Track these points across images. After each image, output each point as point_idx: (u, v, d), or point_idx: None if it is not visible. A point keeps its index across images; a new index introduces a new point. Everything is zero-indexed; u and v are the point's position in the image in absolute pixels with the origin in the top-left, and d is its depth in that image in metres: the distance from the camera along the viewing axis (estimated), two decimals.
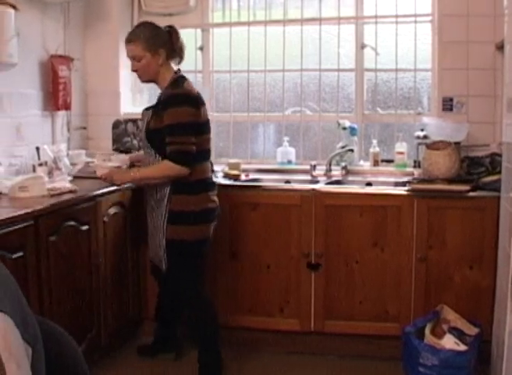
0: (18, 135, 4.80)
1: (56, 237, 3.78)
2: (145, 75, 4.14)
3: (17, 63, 4.46)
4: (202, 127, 4.06)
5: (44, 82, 5.17)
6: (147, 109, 4.26)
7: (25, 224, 3.46)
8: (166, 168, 3.94)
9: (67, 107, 5.36)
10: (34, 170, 4.53)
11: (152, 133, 4.07)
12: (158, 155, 4.05)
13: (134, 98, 6.00)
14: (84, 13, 5.77)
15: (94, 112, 5.83)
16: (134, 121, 5.52)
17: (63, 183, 4.25)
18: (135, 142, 5.51)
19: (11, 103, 4.73)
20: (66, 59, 5.38)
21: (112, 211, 4.48)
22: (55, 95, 5.21)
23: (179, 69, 4.22)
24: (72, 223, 3.97)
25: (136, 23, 5.84)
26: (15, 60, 4.41)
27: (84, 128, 5.79)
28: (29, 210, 3.52)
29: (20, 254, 3.42)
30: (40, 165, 4.52)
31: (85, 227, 4.12)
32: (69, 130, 5.52)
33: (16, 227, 3.38)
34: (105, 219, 4.37)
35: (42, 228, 3.62)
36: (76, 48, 5.62)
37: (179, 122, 3.91)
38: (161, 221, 4.06)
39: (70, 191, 4.09)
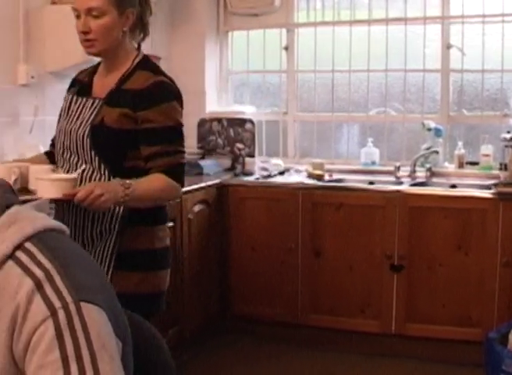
0: None
1: None
2: (102, 41, 2.77)
3: None
4: None
5: None
6: (72, 93, 2.96)
7: None
8: (170, 187, 2.80)
9: None
10: None
11: (111, 135, 2.79)
12: (106, 171, 2.78)
13: (219, 98, 6.05)
14: (171, 13, 5.84)
15: None
16: (219, 120, 5.58)
17: None
18: (220, 141, 5.56)
19: None
20: (153, 58, 5.41)
21: (196, 208, 4.54)
22: None
23: (139, 45, 3.01)
24: None
25: (222, 23, 5.92)
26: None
27: None
28: None
29: None
30: None
31: (170, 224, 4.17)
32: None
33: None
34: (190, 216, 4.44)
35: None
36: (163, 47, 5.69)
37: (176, 122, 2.85)
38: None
39: None
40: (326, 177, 5.11)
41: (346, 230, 4.73)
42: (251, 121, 5.55)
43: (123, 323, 1.43)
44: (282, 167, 5.40)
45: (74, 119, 2.85)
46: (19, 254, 1.32)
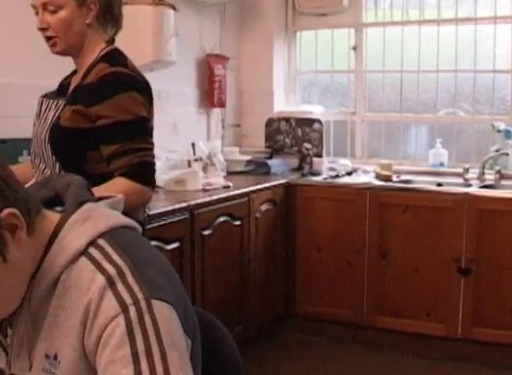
0: (174, 131, 4.98)
1: (210, 231, 3.90)
2: (63, 37, 2.53)
3: (176, 62, 4.59)
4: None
5: (200, 80, 5.32)
6: (48, 97, 2.69)
7: (181, 217, 3.60)
8: (132, 192, 2.42)
9: (222, 105, 5.48)
10: (190, 165, 4.65)
11: (67, 135, 2.52)
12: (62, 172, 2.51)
13: (287, 97, 6.05)
14: (239, 14, 5.86)
15: (248, 110, 5.92)
16: (287, 120, 5.59)
17: (217, 178, 4.37)
18: (287, 140, 5.57)
19: (169, 100, 4.91)
20: (222, 58, 5.49)
21: (264, 207, 4.56)
22: (210, 93, 5.35)
23: (112, 39, 2.75)
24: (225, 218, 4.09)
25: (290, 23, 5.92)
26: (174, 58, 4.54)
27: (238, 126, 5.90)
28: (185, 204, 3.65)
29: (176, 245, 3.56)
30: (196, 160, 4.64)
31: (238, 222, 4.22)
32: (223, 127, 5.65)
33: (172, 220, 3.52)
34: (257, 215, 4.46)
35: (197, 222, 3.75)
36: (232, 47, 5.73)
37: (135, 116, 2.50)
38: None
39: (224, 187, 4.20)
40: (394, 178, 5.07)
41: (413, 231, 4.68)
42: (319, 121, 5.54)
43: (193, 320, 1.45)
44: (349, 167, 5.38)
45: (41, 123, 2.60)
46: (92, 250, 1.35)
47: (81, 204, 1.44)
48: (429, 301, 4.70)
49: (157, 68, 4.54)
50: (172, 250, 3.51)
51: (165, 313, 1.29)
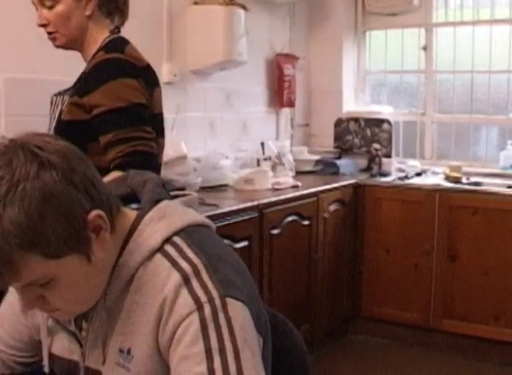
0: (244, 130, 5.02)
1: (279, 230, 3.91)
2: (63, 31, 2.44)
3: (246, 61, 4.61)
4: (155, 123, 2.50)
5: (270, 80, 5.34)
6: (58, 94, 2.58)
7: (250, 216, 3.62)
8: None
9: (291, 104, 5.49)
10: (259, 164, 4.67)
11: (67, 129, 2.42)
12: None
13: (357, 97, 6.02)
14: (309, 13, 5.85)
15: (317, 110, 5.91)
16: (356, 120, 5.57)
17: (286, 178, 4.37)
18: (356, 141, 5.55)
19: (238, 99, 4.95)
20: (291, 58, 5.50)
21: (332, 207, 4.55)
22: (279, 93, 5.36)
23: (117, 29, 2.59)
24: (294, 217, 4.09)
25: (360, 23, 5.89)
26: (244, 58, 4.56)
27: (307, 125, 5.90)
28: (254, 203, 3.67)
29: (245, 244, 3.58)
30: (265, 160, 4.65)
31: (306, 222, 4.22)
32: (292, 126, 5.66)
33: (241, 218, 3.55)
34: (326, 215, 4.45)
35: (266, 221, 3.76)
36: (301, 47, 5.72)
37: (129, 103, 2.34)
38: None
39: (293, 187, 4.20)
40: (464, 180, 5.00)
41: (482, 234, 4.61)
42: (388, 121, 5.50)
43: (264, 319, 1.46)
44: (418, 169, 5.33)
45: (51, 121, 2.55)
46: (168, 247, 1.37)
47: (157, 202, 1.46)
48: (498, 305, 4.63)
49: (227, 67, 4.58)
50: (241, 249, 3.52)
51: (239, 312, 1.31)
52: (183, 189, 2.63)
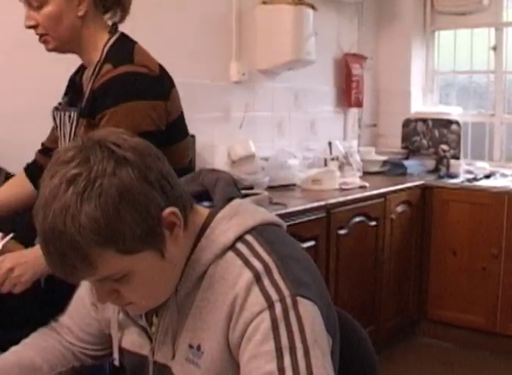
0: (311, 130, 5.02)
1: (346, 230, 3.90)
2: (53, 34, 2.18)
3: (314, 61, 4.60)
4: (173, 130, 2.27)
5: (338, 79, 5.33)
6: (61, 110, 2.34)
7: (318, 216, 3.62)
8: None
9: (359, 104, 5.47)
10: (326, 164, 4.67)
11: None
12: None
13: (425, 98, 5.97)
14: (377, 13, 5.82)
15: (385, 110, 5.87)
16: (424, 121, 5.52)
17: (354, 178, 4.36)
18: (424, 142, 5.49)
19: (306, 99, 4.96)
20: (359, 58, 5.47)
21: (399, 209, 4.52)
22: (347, 92, 5.34)
23: (114, 26, 2.31)
24: (361, 218, 4.08)
25: (428, 22, 5.82)
26: (312, 58, 4.56)
27: (375, 125, 5.86)
28: (322, 203, 3.68)
29: (312, 244, 3.58)
30: (332, 160, 4.64)
31: (373, 223, 4.20)
32: (359, 126, 5.63)
33: (309, 218, 3.55)
34: (393, 216, 4.42)
35: (333, 221, 3.77)
36: (369, 47, 5.69)
37: (146, 133, 2.01)
38: None
39: (361, 187, 4.19)
40: None
41: None
42: (457, 122, 5.43)
43: (334, 319, 1.46)
44: (487, 170, 5.24)
45: (61, 140, 2.33)
46: (240, 245, 1.37)
47: (229, 200, 1.46)
48: None
49: (296, 67, 4.59)
50: (308, 248, 3.52)
51: (310, 311, 1.30)
52: (251, 188, 2.64)
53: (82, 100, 2.24)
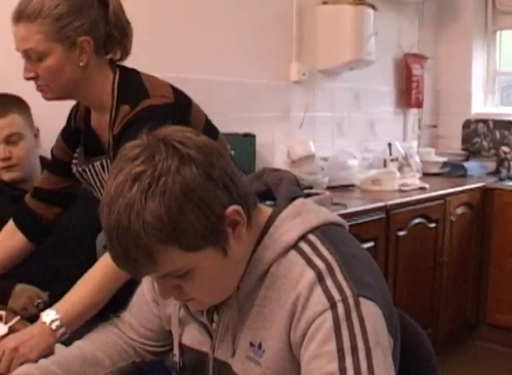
0: (371, 130, 5.01)
1: (405, 232, 3.89)
2: (54, 85, 2.06)
3: (375, 61, 4.59)
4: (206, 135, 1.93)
5: (398, 80, 5.30)
6: (79, 164, 2.25)
7: (377, 217, 3.62)
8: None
9: (419, 105, 5.43)
10: (385, 165, 4.64)
11: None
12: None
13: (486, 99, 5.89)
14: (438, 13, 5.76)
15: (445, 111, 5.81)
16: (485, 122, 5.45)
17: (413, 179, 4.34)
18: (485, 143, 5.43)
19: (366, 99, 4.96)
20: (420, 58, 5.43)
21: (459, 211, 4.48)
22: (407, 93, 5.31)
23: (114, 63, 2.18)
24: (420, 219, 4.06)
25: (490, 22, 5.74)
26: (373, 58, 4.55)
27: (435, 126, 5.81)
28: (382, 204, 3.68)
29: (371, 244, 3.58)
30: (392, 160, 4.62)
31: (432, 225, 4.18)
32: (419, 127, 5.59)
33: (368, 219, 3.55)
34: (452, 218, 4.38)
35: (393, 222, 3.75)
36: (429, 47, 5.65)
37: None
38: None
39: (420, 188, 4.17)
40: None
41: None
42: None
43: (395, 320, 1.45)
44: None
45: (96, 188, 2.26)
46: (303, 244, 1.37)
47: (292, 199, 1.47)
48: None
49: (356, 67, 4.58)
50: (367, 249, 3.43)
51: (372, 312, 1.30)
52: (310, 188, 2.65)
53: (103, 147, 2.16)
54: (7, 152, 2.58)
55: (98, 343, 1.73)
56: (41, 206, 2.30)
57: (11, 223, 2.33)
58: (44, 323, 1.80)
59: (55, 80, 2.02)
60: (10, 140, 2.59)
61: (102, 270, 1.89)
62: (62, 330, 1.80)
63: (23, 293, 2.46)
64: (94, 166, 2.17)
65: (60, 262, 2.64)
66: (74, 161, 2.26)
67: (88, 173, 2.20)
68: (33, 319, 2.21)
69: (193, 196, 1.23)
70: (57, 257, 2.64)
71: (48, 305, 2.41)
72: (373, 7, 4.51)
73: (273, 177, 1.57)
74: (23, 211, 2.33)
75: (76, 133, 2.26)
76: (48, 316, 1.81)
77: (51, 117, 2.28)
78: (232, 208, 1.29)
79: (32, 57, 1.98)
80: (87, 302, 1.86)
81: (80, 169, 2.22)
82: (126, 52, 2.16)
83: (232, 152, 3.59)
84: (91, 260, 2.14)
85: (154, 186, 1.22)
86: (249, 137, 3.80)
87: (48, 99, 2.14)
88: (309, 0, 4.43)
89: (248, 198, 1.36)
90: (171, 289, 1.35)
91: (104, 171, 2.15)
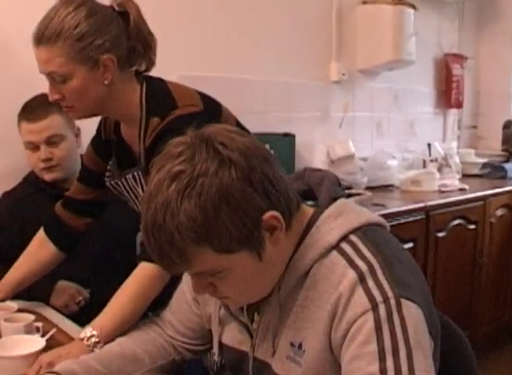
0: (411, 131, 5.00)
1: (445, 233, 3.87)
2: (80, 106, 2.02)
3: (415, 61, 4.57)
4: None
5: (438, 80, 5.28)
6: (112, 176, 2.25)
7: (417, 218, 3.61)
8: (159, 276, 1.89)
9: (459, 105, 5.40)
10: (425, 166, 4.63)
11: None
12: None
13: None
14: (479, 12, 5.72)
15: (485, 112, 5.77)
16: None
17: (453, 180, 4.31)
18: None
19: (406, 100, 4.93)
20: (460, 58, 5.40)
21: (499, 212, 4.44)
22: (447, 93, 5.28)
23: (140, 74, 2.12)
24: (460, 221, 4.03)
25: None
26: (413, 58, 4.53)
27: (475, 127, 5.77)
28: (421, 204, 3.66)
29: (410, 245, 3.57)
30: (431, 161, 4.60)
31: (472, 226, 4.14)
32: (459, 128, 5.56)
33: (408, 220, 3.54)
34: (492, 220, 4.35)
35: (432, 223, 3.74)
36: (470, 46, 5.61)
37: None
38: None
39: (460, 189, 4.14)
40: None
41: None
42: None
43: (436, 322, 1.44)
44: None
45: (132, 201, 2.24)
46: (344, 245, 1.37)
47: (334, 199, 1.46)
48: None
49: (396, 67, 4.56)
50: (407, 250, 3.51)
51: (413, 313, 1.29)
52: (349, 188, 2.65)
53: (135, 158, 2.14)
54: (48, 153, 2.60)
55: (139, 340, 1.75)
56: (72, 217, 2.31)
57: (42, 233, 2.34)
58: (82, 339, 1.81)
59: (81, 100, 1.98)
60: (51, 141, 2.61)
61: (137, 281, 1.89)
62: (99, 346, 1.80)
63: (65, 290, 2.49)
64: (126, 179, 2.16)
65: (100, 260, 2.67)
66: (107, 173, 2.25)
67: (121, 186, 2.19)
68: (74, 316, 2.26)
69: (229, 200, 1.23)
70: (97, 254, 2.66)
71: (89, 302, 2.46)
72: (413, 7, 4.49)
73: (315, 177, 1.57)
74: (54, 221, 2.34)
75: (108, 144, 2.25)
76: (85, 333, 1.81)
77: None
78: (269, 213, 1.28)
79: (56, 79, 1.94)
80: (123, 315, 1.86)
81: (112, 182, 2.21)
82: (151, 63, 2.10)
83: (272, 152, 3.64)
84: (131, 257, 2.20)
85: (192, 187, 1.22)
86: (289, 137, 3.81)
87: (76, 118, 2.18)
88: (349, 0, 4.42)
89: (291, 203, 1.36)
90: (205, 286, 1.36)
91: (136, 183, 2.14)
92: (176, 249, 1.24)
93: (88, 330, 1.81)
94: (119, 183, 2.18)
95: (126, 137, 2.17)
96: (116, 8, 1.99)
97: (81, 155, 2.51)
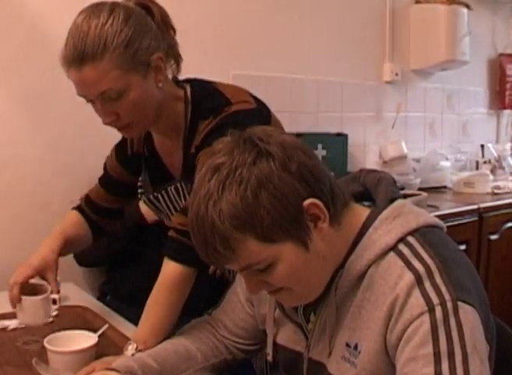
0: (464, 132, 4.95)
1: (498, 236, 3.82)
2: (140, 119, 1.83)
3: (469, 61, 4.53)
4: None
5: (492, 80, 5.22)
6: (154, 190, 2.11)
7: (469, 220, 3.57)
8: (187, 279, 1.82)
9: None
10: (478, 167, 4.59)
11: None
12: None
13: None
14: None
15: None
16: None
17: (507, 182, 4.26)
18: None
19: (459, 100, 4.89)
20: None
21: None
22: (501, 94, 5.22)
23: (175, 77, 1.97)
24: None
25: None
26: (467, 58, 4.49)
27: None
28: (474, 206, 3.63)
29: (462, 248, 3.55)
30: (485, 163, 4.56)
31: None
32: None
33: (460, 222, 3.51)
34: None
35: (485, 225, 3.70)
36: None
37: None
38: None
39: None
40: None
41: None
42: None
43: (492, 326, 1.42)
44: None
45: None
46: (402, 247, 1.36)
47: (391, 200, 1.46)
48: None
49: (449, 67, 4.53)
50: None
51: (470, 317, 1.28)
52: (402, 189, 2.62)
53: (169, 172, 2.04)
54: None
55: (192, 339, 1.77)
56: (97, 218, 2.24)
57: (77, 214, 2.22)
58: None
59: (141, 112, 1.80)
60: None
61: (168, 288, 1.80)
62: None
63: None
64: (167, 191, 2.03)
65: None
66: (140, 190, 2.15)
67: (161, 200, 2.06)
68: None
69: (268, 186, 1.25)
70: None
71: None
72: (467, 6, 4.46)
73: (371, 178, 1.56)
74: (90, 203, 2.23)
75: (136, 158, 2.12)
76: (132, 350, 1.74)
77: None
78: (310, 200, 1.29)
79: (111, 96, 1.72)
80: (161, 324, 1.80)
81: (151, 196, 2.09)
82: (179, 63, 1.93)
83: (324, 152, 3.64)
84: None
85: (232, 177, 1.26)
86: (341, 137, 3.82)
87: (133, 136, 2.04)
88: (402, 0, 4.40)
89: (335, 195, 1.36)
90: (257, 284, 1.37)
91: (179, 195, 2.01)
92: (220, 238, 1.26)
93: (133, 347, 1.75)
94: (159, 196, 2.06)
95: (162, 149, 2.05)
96: (140, 5, 1.81)
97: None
